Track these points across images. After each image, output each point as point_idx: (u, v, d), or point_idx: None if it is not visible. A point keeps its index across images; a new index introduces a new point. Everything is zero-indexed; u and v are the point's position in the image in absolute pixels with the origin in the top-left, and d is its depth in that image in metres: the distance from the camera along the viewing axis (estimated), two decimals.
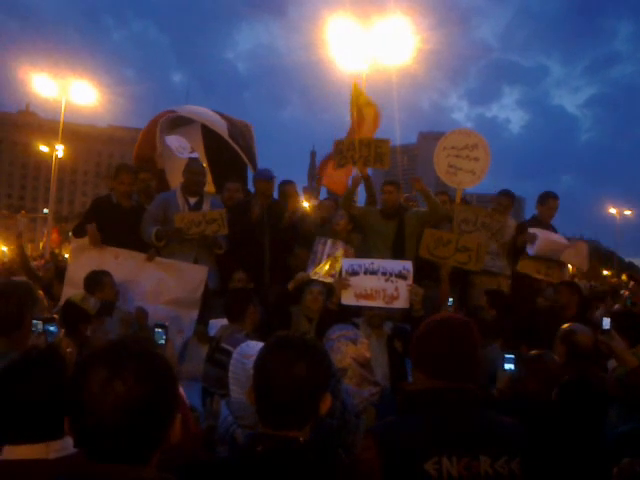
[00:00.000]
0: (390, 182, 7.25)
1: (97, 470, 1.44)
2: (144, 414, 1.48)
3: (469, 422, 2.19)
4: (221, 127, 8.27)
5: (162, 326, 3.63)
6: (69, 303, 4.83)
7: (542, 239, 6.99)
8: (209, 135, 8.57)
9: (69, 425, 1.52)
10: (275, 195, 7.73)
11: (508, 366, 3.85)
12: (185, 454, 2.07)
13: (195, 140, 8.55)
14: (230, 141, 8.15)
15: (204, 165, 7.55)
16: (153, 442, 1.53)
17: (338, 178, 8.51)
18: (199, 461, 2.07)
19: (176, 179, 7.59)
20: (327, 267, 6.33)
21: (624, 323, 4.75)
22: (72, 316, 4.60)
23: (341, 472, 2.01)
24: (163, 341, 3.57)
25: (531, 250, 7.01)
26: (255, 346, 2.90)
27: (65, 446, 2.00)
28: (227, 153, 8.38)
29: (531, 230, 7.18)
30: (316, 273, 6.33)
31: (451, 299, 5.66)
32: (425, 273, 6.72)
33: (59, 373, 2.10)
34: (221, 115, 8.61)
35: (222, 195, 7.57)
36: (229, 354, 4.17)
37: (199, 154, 8.34)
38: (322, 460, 1.97)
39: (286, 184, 8.12)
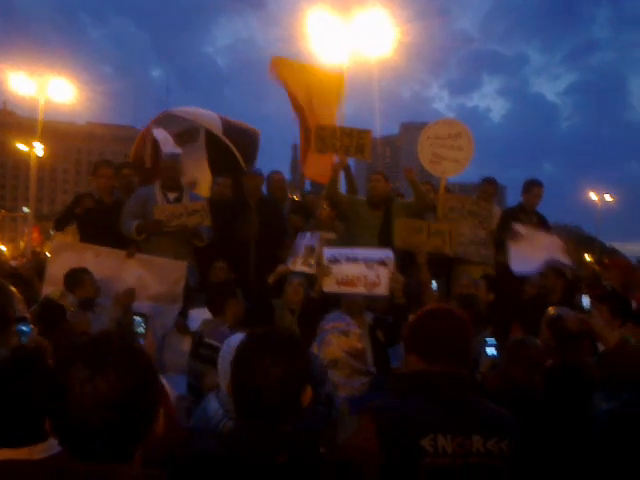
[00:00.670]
0: (377, 172, 7.39)
1: (81, 468, 1.42)
2: (127, 410, 1.45)
3: (464, 406, 2.26)
4: (216, 125, 8.21)
5: (141, 315, 3.59)
6: (46, 300, 4.81)
7: (523, 244, 6.96)
8: (212, 147, 8.38)
9: (51, 425, 1.49)
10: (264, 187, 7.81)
11: (490, 351, 3.99)
12: (169, 447, 2.04)
13: (199, 155, 8.35)
14: (223, 138, 8.09)
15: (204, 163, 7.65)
16: (137, 438, 1.51)
17: (321, 169, 8.49)
18: (182, 454, 2.04)
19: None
20: (304, 257, 6.33)
21: (614, 304, 4.80)
22: (49, 313, 4.55)
23: (324, 461, 1.99)
24: (142, 329, 3.53)
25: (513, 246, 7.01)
26: None
27: (49, 447, 1.97)
28: (227, 160, 8.23)
29: (518, 229, 7.15)
30: (295, 264, 6.32)
31: (435, 283, 5.66)
32: (411, 260, 6.76)
33: (44, 376, 2.05)
34: (224, 119, 8.50)
35: (212, 189, 7.55)
36: (213, 348, 4.20)
37: (204, 168, 8.22)
38: (308, 450, 1.96)
39: (276, 173, 8.22)
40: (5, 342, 3.25)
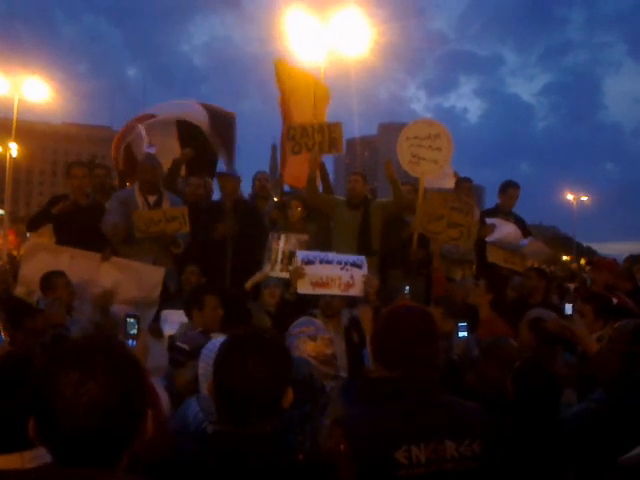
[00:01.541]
0: (356, 172, 7.46)
1: (68, 475, 1.40)
2: (117, 413, 1.43)
3: (432, 409, 2.26)
4: (203, 120, 8.11)
5: (134, 316, 3.55)
6: (12, 297, 4.74)
7: (499, 231, 7.26)
8: (184, 127, 8.28)
9: (35, 430, 1.46)
10: (249, 187, 7.94)
11: (462, 333, 4.34)
12: (156, 450, 2.02)
13: (170, 133, 8.24)
14: (211, 136, 8.05)
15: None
16: (125, 441, 1.49)
17: (299, 172, 8.47)
18: (168, 458, 2.02)
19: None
20: (284, 263, 6.33)
21: (599, 304, 4.88)
22: (14, 310, 4.51)
23: (303, 465, 2.01)
24: (135, 331, 3.49)
25: (491, 238, 7.15)
26: None
27: (39, 455, 1.93)
28: (200, 143, 8.15)
29: (488, 220, 7.41)
30: (273, 270, 6.31)
31: (407, 287, 5.69)
32: (391, 263, 6.78)
33: (32, 381, 2.02)
34: (204, 105, 8.41)
35: (186, 190, 7.50)
36: (181, 351, 4.34)
37: (174, 148, 8.07)
38: (282, 454, 1.97)
39: (260, 173, 8.37)
40: None
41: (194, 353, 4.14)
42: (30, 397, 1.91)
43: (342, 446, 2.10)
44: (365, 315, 4.61)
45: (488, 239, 7.16)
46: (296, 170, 8.09)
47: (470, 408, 2.37)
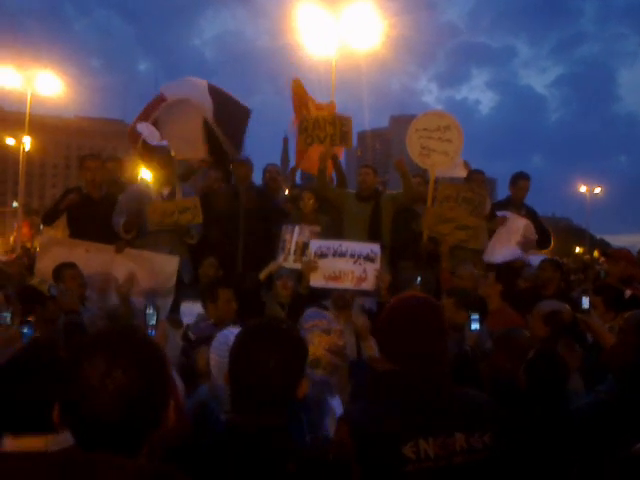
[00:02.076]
0: (366, 165, 7.39)
1: (91, 459, 1.42)
2: (141, 403, 1.47)
3: (441, 402, 2.21)
4: (207, 106, 7.96)
5: (153, 306, 3.62)
6: (27, 286, 4.89)
7: (510, 226, 7.31)
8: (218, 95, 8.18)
9: (60, 415, 1.50)
10: (259, 180, 7.85)
11: (474, 326, 4.29)
12: (174, 437, 2.06)
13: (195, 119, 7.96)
14: (213, 125, 7.92)
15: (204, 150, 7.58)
16: (148, 430, 1.52)
17: (312, 161, 8.46)
18: (186, 445, 2.06)
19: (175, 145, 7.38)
20: (297, 254, 6.37)
21: (610, 296, 4.89)
22: (27, 297, 4.61)
23: (315, 458, 2.00)
24: (154, 321, 3.56)
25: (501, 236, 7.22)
26: None
27: (63, 439, 1.97)
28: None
29: (499, 213, 7.41)
30: (287, 260, 6.34)
31: (419, 278, 5.71)
32: (402, 255, 6.79)
33: (57, 367, 2.07)
34: (214, 91, 8.22)
35: (203, 180, 7.53)
36: (191, 342, 4.51)
37: (209, 114, 7.90)
38: (295, 444, 1.97)
39: (271, 165, 8.23)
40: None
41: (199, 342, 4.23)
42: (55, 383, 1.98)
43: (347, 441, 2.08)
44: (358, 321, 4.66)
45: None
46: (310, 159, 8.10)
47: (480, 399, 2.34)
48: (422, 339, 2.26)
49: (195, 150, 7.76)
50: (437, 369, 2.26)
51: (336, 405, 3.08)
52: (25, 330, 3.65)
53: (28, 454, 1.93)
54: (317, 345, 3.43)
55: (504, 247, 7.23)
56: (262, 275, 6.09)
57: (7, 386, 2.04)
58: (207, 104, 7.99)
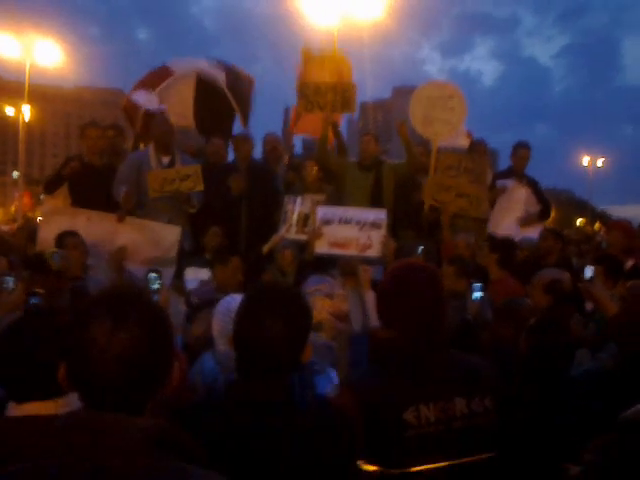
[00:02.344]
0: (368, 133, 7.32)
1: (98, 419, 1.42)
2: (146, 363, 1.47)
3: (441, 368, 2.23)
4: (220, 77, 8.02)
5: (156, 271, 3.63)
6: (38, 254, 4.90)
7: (511, 195, 7.42)
8: (202, 83, 8.18)
9: (64, 376, 1.51)
10: (259, 149, 7.83)
11: (476, 294, 4.26)
12: (177, 399, 2.08)
13: (187, 83, 8.15)
14: (227, 92, 7.94)
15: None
16: (153, 389, 1.53)
17: (311, 126, 8.38)
18: (190, 406, 2.09)
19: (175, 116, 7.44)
20: (299, 225, 6.36)
21: (610, 265, 4.91)
22: (35, 265, 4.59)
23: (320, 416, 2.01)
24: (158, 286, 3.58)
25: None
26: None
27: (72, 401, 1.99)
28: (216, 103, 8.10)
29: (500, 182, 7.48)
30: (289, 232, 6.34)
31: (421, 247, 5.72)
32: (404, 223, 6.79)
33: (60, 330, 2.07)
34: (222, 65, 8.33)
35: (206, 148, 7.50)
36: (193, 306, 4.57)
37: (187, 101, 8.01)
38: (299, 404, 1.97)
39: (270, 134, 8.15)
40: None
41: (201, 307, 4.26)
42: (54, 346, 1.99)
43: (351, 406, 2.10)
44: (365, 274, 4.61)
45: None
46: (309, 124, 8.08)
47: (479, 364, 2.35)
48: (418, 306, 2.27)
49: (184, 118, 7.83)
50: (435, 336, 2.27)
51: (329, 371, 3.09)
52: (32, 301, 3.59)
53: (41, 418, 1.96)
54: (320, 309, 3.44)
55: (512, 223, 7.33)
56: (265, 249, 6.10)
57: (12, 347, 2.05)
58: (219, 75, 7.98)
